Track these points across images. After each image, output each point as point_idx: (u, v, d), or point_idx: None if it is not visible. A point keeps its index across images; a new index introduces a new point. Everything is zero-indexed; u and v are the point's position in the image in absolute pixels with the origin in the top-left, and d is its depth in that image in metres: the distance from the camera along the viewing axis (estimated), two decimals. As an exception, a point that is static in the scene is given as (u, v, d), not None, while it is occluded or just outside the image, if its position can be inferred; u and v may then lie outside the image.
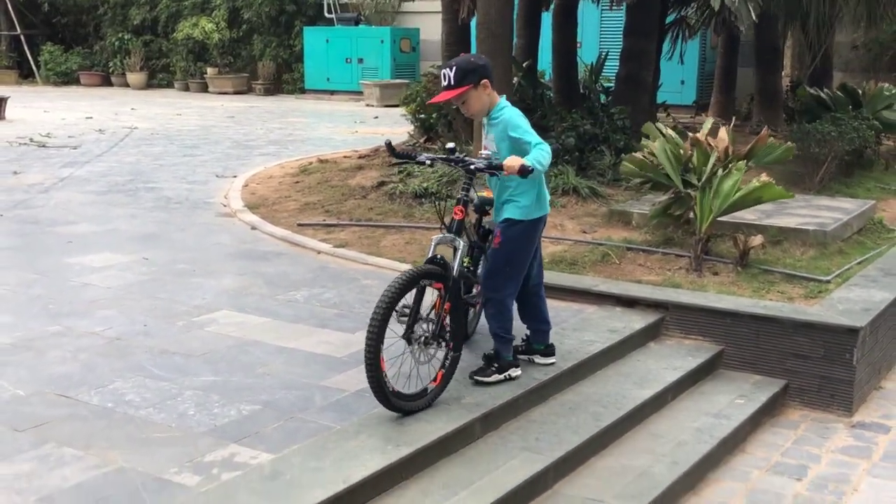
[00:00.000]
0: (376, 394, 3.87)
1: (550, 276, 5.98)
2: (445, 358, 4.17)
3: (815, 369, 5.24)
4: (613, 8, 12.86)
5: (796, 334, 5.26)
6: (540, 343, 4.73)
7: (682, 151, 6.46)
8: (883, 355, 5.71)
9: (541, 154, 4.12)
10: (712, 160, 6.22)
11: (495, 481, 3.75)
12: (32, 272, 6.22)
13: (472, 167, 4.22)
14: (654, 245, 6.71)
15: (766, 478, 4.49)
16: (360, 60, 22.11)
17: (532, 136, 4.22)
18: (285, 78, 23.76)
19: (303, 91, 23.01)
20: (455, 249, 4.20)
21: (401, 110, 11.82)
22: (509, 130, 4.24)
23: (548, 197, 4.52)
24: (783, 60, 14.43)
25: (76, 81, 25.95)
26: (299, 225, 7.70)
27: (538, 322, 4.71)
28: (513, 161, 4.02)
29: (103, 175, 10.34)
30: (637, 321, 5.47)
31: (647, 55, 10.05)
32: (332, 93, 22.39)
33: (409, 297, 3.97)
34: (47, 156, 11.79)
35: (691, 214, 6.38)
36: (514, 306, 4.60)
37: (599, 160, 8.75)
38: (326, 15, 23.23)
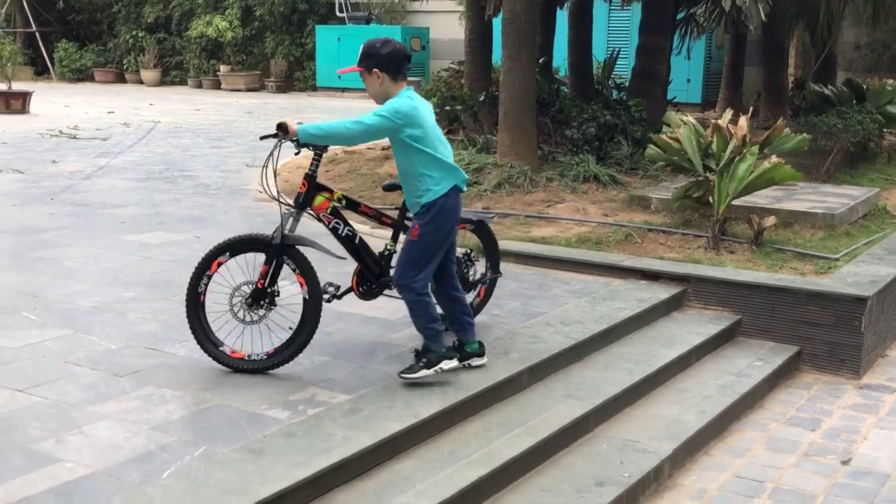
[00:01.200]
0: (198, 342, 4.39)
1: (578, 253, 6.48)
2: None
3: (826, 336, 5.71)
4: (625, 7, 13.34)
5: (809, 304, 5.72)
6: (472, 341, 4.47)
7: (702, 138, 6.92)
8: (888, 325, 6.17)
9: (332, 122, 4.13)
10: (731, 146, 6.68)
11: (545, 422, 4.22)
12: (95, 248, 6.67)
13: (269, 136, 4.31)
14: (674, 226, 7.16)
15: (783, 429, 4.95)
16: (372, 58, 22.53)
17: (370, 114, 4.12)
18: (297, 75, 24.21)
19: (314, 88, 23.44)
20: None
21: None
22: None
23: (453, 167, 4.29)
24: (788, 59, 14.86)
25: (90, 78, 26.39)
26: (335, 209, 8.13)
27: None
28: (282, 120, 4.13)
29: (139, 164, 10.79)
30: (661, 292, 5.92)
31: (661, 51, 10.52)
32: (344, 90, 22.80)
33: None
34: (80, 146, 12.23)
35: (710, 198, 6.83)
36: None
37: (617, 150, 9.21)
38: (338, 14, 23.67)
